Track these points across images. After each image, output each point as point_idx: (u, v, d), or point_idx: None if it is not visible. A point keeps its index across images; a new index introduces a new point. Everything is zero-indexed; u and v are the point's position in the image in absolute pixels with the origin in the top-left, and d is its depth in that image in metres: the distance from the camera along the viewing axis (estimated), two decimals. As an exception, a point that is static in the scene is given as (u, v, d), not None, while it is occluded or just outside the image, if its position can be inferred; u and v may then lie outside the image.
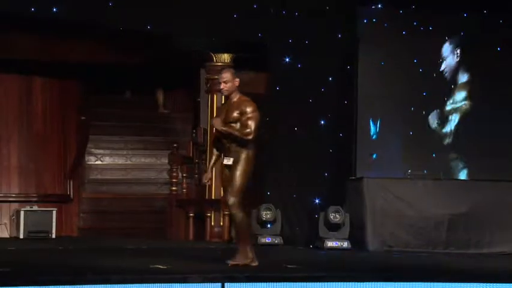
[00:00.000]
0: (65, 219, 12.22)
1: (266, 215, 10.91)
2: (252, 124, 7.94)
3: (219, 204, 11.70)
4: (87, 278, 7.21)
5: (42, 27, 11.06)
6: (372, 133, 11.24)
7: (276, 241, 10.90)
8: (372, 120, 11.23)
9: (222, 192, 8.32)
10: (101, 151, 13.19)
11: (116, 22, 10.71)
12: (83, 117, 12.78)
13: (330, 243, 10.66)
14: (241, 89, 12.23)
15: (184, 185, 12.21)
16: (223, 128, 7.98)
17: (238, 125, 7.96)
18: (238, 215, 8.02)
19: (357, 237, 10.74)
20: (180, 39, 11.47)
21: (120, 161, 13.20)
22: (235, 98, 8.07)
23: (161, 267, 7.96)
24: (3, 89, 12.33)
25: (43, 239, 11.38)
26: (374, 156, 11.06)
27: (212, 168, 8.36)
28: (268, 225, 10.98)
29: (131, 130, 13.39)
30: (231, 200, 8.00)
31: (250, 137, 7.95)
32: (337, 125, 11.26)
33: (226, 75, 8.08)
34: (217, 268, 8.10)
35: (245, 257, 8.07)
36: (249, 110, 7.98)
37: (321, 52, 11.15)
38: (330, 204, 10.82)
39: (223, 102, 8.36)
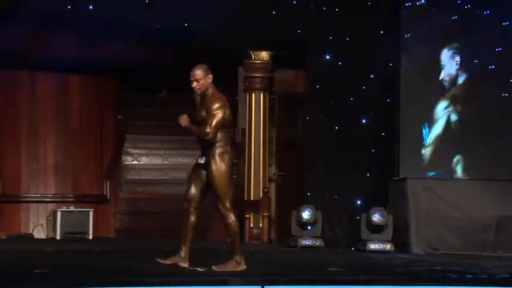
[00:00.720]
0: (101, 220, 12.29)
1: (306, 216, 10.87)
2: (212, 122, 7.69)
3: (258, 206, 11.69)
4: (125, 280, 7.24)
5: (79, 24, 11.14)
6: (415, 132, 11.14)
7: (317, 243, 10.86)
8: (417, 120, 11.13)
9: (190, 190, 8.02)
10: (138, 151, 13.24)
11: (153, 20, 10.74)
12: (119, 116, 12.84)
13: (373, 246, 10.59)
14: (280, 87, 12.31)
15: (223, 186, 12.17)
16: (186, 125, 7.77)
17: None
18: (231, 220, 7.88)
19: (400, 239, 10.66)
20: (218, 37, 11.47)
21: (157, 161, 13.23)
22: (208, 95, 7.85)
23: (200, 269, 7.96)
24: (40, 87, 12.44)
25: (80, 240, 11.45)
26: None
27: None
28: (309, 227, 10.95)
29: (168, 129, 13.39)
30: (221, 209, 7.86)
31: (207, 137, 7.72)
32: (380, 124, 11.18)
33: (198, 72, 7.86)
34: (257, 270, 8.09)
35: (236, 264, 7.92)
36: (213, 107, 7.74)
37: (362, 49, 11.07)
38: (372, 206, 10.76)
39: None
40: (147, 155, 13.24)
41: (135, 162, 13.20)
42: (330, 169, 11.19)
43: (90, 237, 11.65)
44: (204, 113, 7.79)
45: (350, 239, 10.98)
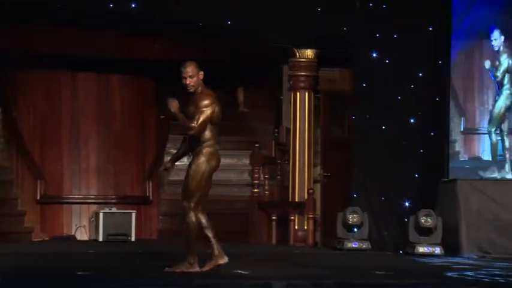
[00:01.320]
0: (144, 221, 12.33)
1: (353, 218, 10.79)
2: (199, 119, 7.59)
3: (303, 207, 11.64)
4: (169, 282, 7.24)
5: (120, 23, 11.20)
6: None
7: (363, 246, 10.77)
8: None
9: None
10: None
11: (195, 18, 10.75)
12: (162, 116, 12.87)
13: (421, 249, 10.47)
14: (325, 86, 12.24)
15: (267, 187, 12.17)
16: (175, 111, 7.64)
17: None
18: (190, 220, 7.73)
19: (449, 242, 10.53)
20: (262, 35, 11.44)
21: (199, 161, 13.21)
22: (198, 91, 7.75)
23: (243, 272, 7.94)
24: (81, 88, 12.52)
25: (122, 241, 11.50)
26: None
27: (174, 161, 7.95)
28: (355, 229, 10.86)
29: (211, 129, 13.39)
30: (184, 203, 7.74)
31: (191, 132, 7.62)
32: (428, 124, 11.06)
33: (191, 69, 7.72)
34: (302, 273, 8.04)
35: (189, 265, 7.80)
36: (202, 103, 7.63)
37: (410, 46, 10.97)
38: (420, 207, 10.64)
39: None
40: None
41: (177, 162, 13.15)
42: (376, 170, 11.09)
43: (133, 239, 11.70)
44: (192, 109, 7.71)
45: (398, 242, 10.87)
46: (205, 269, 7.79)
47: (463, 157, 10.98)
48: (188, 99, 13.73)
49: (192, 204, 7.72)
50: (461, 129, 10.97)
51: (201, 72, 7.78)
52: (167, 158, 13.26)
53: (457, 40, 10.90)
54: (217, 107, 7.76)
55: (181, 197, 7.79)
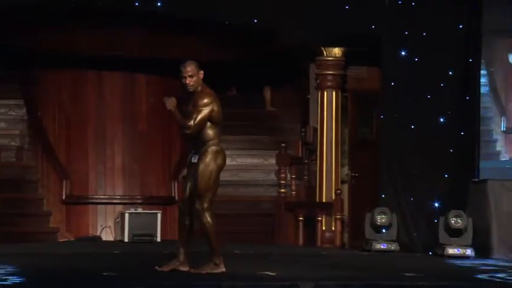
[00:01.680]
0: (169, 222, 12.31)
1: (381, 219, 10.73)
2: (196, 118, 7.58)
3: (330, 208, 11.59)
4: (196, 283, 7.23)
5: (147, 22, 11.21)
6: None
7: (392, 247, 10.71)
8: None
9: (186, 190, 7.86)
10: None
11: (222, 16, 10.74)
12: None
13: (451, 250, 10.38)
14: (353, 85, 12.19)
15: (293, 187, 12.14)
16: (172, 109, 7.62)
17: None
18: (206, 221, 7.71)
19: (480, 244, 10.43)
20: (289, 33, 11.40)
21: (226, 161, 13.20)
22: (197, 90, 7.73)
23: (270, 273, 7.91)
24: (107, 87, 12.55)
25: (148, 242, 11.51)
26: None
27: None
28: (383, 230, 10.80)
29: (237, 129, 13.39)
30: (197, 203, 7.71)
31: (187, 131, 7.61)
32: (458, 123, 10.96)
33: (191, 68, 7.71)
34: (330, 275, 8.00)
35: (214, 266, 7.78)
36: (200, 102, 7.62)
37: (440, 44, 10.88)
38: (450, 208, 10.56)
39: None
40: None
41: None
42: (405, 170, 11.01)
43: (158, 239, 11.70)
44: (191, 108, 7.70)
45: (427, 243, 10.79)
46: (205, 271, 7.76)
47: (504, 157, 10.88)
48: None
49: (205, 205, 7.72)
50: (503, 129, 10.86)
51: (201, 72, 7.80)
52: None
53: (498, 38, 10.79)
54: (217, 106, 7.77)
55: (195, 202, 7.75)
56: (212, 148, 7.72)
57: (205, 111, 7.66)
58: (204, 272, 7.75)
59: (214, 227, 7.77)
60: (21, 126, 12.49)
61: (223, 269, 7.79)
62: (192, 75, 7.72)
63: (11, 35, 11.37)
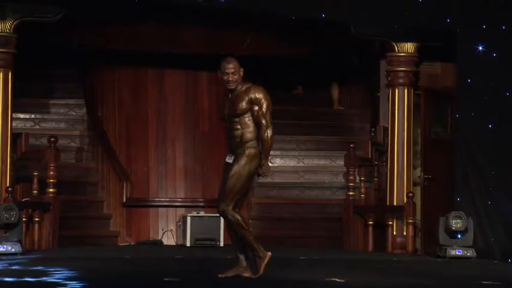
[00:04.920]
0: (239, 226, 12.37)
1: (456, 224, 10.61)
2: (265, 117, 7.62)
3: (401, 211, 11.50)
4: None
5: (209, 18, 11.28)
6: None
7: (468, 254, 10.58)
8: None
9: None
10: (271, 152, 13.21)
11: (288, 11, 10.74)
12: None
13: (529, 259, 10.23)
14: (426, 82, 12.08)
15: (363, 190, 12.06)
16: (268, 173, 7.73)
17: (248, 118, 7.65)
18: (235, 219, 7.66)
19: None
20: (358, 28, 11.35)
21: (291, 163, 13.23)
22: (240, 87, 7.75)
23: (338, 280, 7.89)
24: (169, 86, 12.66)
25: (211, 247, 11.58)
26: None
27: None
28: (458, 236, 10.68)
29: (304, 129, 13.39)
30: (221, 206, 7.67)
31: (270, 134, 7.64)
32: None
33: (234, 65, 7.74)
34: (402, 282, 7.94)
35: (261, 260, 7.69)
36: (256, 97, 7.64)
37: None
38: (530, 213, 10.42)
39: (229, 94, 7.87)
40: (280, 157, 13.26)
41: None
42: (482, 172, 10.89)
43: (221, 244, 11.76)
44: (244, 105, 7.70)
45: (506, 250, 10.64)
46: (261, 269, 7.74)
47: None
48: (279, 97, 13.77)
49: (230, 206, 7.71)
50: None
51: (242, 69, 7.85)
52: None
53: None
54: (269, 101, 7.80)
55: (219, 200, 7.75)
56: (249, 151, 7.74)
57: (266, 103, 7.71)
58: (262, 271, 7.74)
59: (243, 222, 7.75)
60: (81, 126, 12.67)
61: (269, 254, 7.74)
62: (234, 72, 7.79)
63: (71, 33, 11.56)
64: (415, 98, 11.90)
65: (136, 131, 12.58)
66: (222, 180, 7.84)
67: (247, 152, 7.72)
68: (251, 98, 7.72)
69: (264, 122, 7.69)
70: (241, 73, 7.84)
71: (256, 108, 7.71)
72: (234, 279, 7.84)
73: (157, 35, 11.89)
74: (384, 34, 11.56)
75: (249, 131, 7.74)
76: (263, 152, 7.74)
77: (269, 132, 7.70)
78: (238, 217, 7.71)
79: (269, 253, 7.74)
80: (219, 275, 7.88)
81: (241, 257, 7.91)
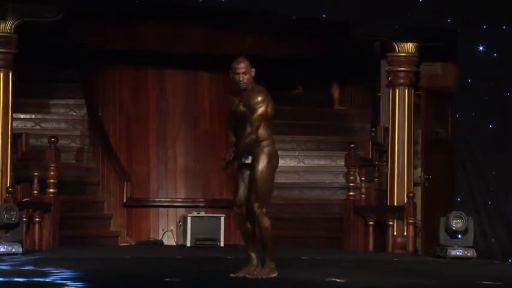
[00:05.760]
0: (233, 226, 12.39)
1: (456, 224, 10.63)
2: (253, 120, 7.65)
3: (402, 212, 11.53)
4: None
5: (210, 18, 11.30)
6: None
7: (468, 254, 10.61)
8: None
9: (239, 193, 7.91)
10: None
11: (288, 11, 10.76)
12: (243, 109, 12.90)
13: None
14: (427, 82, 12.09)
15: (363, 190, 12.08)
16: (230, 159, 7.73)
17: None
18: (265, 222, 7.77)
19: None
20: (358, 28, 11.37)
21: (291, 163, 13.25)
22: (248, 88, 7.81)
23: (339, 280, 7.91)
24: (169, 86, 12.68)
25: (211, 247, 11.60)
26: None
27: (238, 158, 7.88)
28: (459, 236, 10.70)
29: (304, 129, 13.41)
30: (256, 206, 7.74)
31: (253, 137, 7.68)
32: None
33: (245, 65, 7.80)
34: (402, 282, 7.96)
35: (270, 270, 7.81)
36: (255, 101, 7.70)
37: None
38: (531, 213, 10.44)
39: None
40: (280, 157, 13.07)
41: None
42: (482, 172, 10.91)
43: (222, 244, 11.78)
44: (241, 108, 7.78)
45: (506, 250, 10.66)
46: (262, 276, 7.83)
47: None
48: (279, 97, 13.77)
49: (264, 209, 7.80)
50: None
51: (253, 69, 7.89)
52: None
53: None
54: (271, 102, 7.84)
55: (254, 207, 7.80)
56: (267, 149, 7.80)
57: (261, 109, 7.75)
58: (260, 277, 7.80)
59: (271, 231, 7.83)
60: (81, 126, 12.69)
61: (277, 273, 7.85)
62: (245, 72, 7.83)
63: (72, 33, 11.58)
64: (416, 98, 11.92)
65: (137, 131, 12.60)
66: (239, 181, 7.88)
67: (265, 150, 7.79)
68: (247, 101, 7.76)
69: (249, 129, 7.72)
70: (253, 73, 7.87)
71: (252, 110, 7.72)
72: (234, 280, 7.86)
73: (157, 35, 11.91)
74: (384, 34, 11.59)
75: (263, 130, 7.79)
76: (236, 149, 7.78)
77: (252, 137, 7.74)
78: (269, 225, 7.78)
79: (277, 273, 7.82)
80: (231, 275, 7.90)
81: (253, 255, 7.95)
